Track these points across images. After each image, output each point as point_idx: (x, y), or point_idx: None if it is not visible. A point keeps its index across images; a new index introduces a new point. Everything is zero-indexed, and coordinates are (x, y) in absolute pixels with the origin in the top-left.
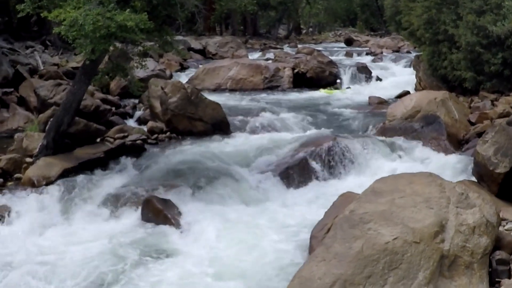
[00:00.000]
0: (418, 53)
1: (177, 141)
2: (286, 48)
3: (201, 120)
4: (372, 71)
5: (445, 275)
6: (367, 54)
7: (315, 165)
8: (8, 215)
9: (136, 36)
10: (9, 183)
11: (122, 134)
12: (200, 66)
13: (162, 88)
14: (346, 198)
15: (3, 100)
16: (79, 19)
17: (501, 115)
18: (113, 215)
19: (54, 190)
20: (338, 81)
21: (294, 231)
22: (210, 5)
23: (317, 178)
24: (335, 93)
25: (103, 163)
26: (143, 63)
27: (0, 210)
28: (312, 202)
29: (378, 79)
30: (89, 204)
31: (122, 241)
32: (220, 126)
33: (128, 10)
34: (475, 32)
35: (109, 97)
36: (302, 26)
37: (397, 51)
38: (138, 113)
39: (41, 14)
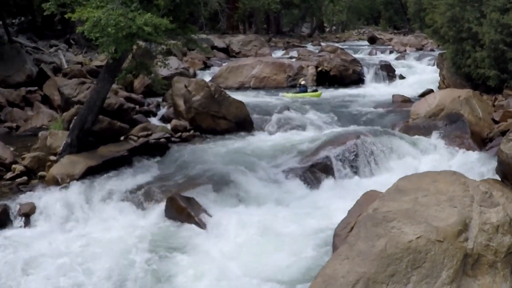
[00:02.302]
0: (441, 51)
1: (201, 139)
2: (310, 46)
3: (224, 118)
4: (395, 69)
5: (469, 274)
6: (390, 52)
7: (339, 163)
8: (33, 212)
9: (157, 38)
10: (34, 181)
11: (145, 132)
12: (224, 64)
13: (186, 87)
14: (370, 196)
15: (27, 99)
16: (102, 19)
17: None
18: (137, 213)
19: (78, 188)
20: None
21: (317, 229)
22: (233, 3)
23: (340, 176)
24: (296, 96)
25: (127, 161)
26: (166, 62)
27: (25, 208)
28: (335, 200)
29: (402, 77)
30: (112, 202)
31: (146, 238)
32: (244, 124)
33: (148, 10)
34: (499, 30)
35: (133, 95)
36: (325, 24)
37: (421, 49)
38: (161, 111)
39: (65, 16)
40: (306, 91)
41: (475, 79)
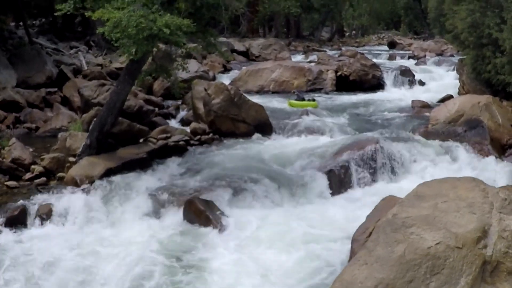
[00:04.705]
0: (461, 57)
1: (220, 142)
2: (329, 51)
3: (244, 122)
4: (415, 74)
5: (487, 281)
6: (410, 57)
7: (357, 168)
8: (51, 213)
9: (178, 39)
10: (52, 182)
11: (165, 135)
12: (243, 68)
13: (206, 90)
14: (389, 201)
15: (47, 100)
16: (123, 20)
17: None
18: (155, 215)
19: (97, 190)
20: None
21: (335, 234)
22: (253, 7)
23: (359, 181)
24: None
25: (146, 163)
26: (185, 65)
27: (43, 209)
28: (353, 205)
29: (421, 82)
30: (131, 204)
31: (164, 240)
32: (263, 128)
33: (169, 13)
34: None
35: (152, 97)
36: (345, 29)
37: (441, 54)
38: (181, 114)
39: (86, 14)
40: (303, 99)
41: (495, 85)
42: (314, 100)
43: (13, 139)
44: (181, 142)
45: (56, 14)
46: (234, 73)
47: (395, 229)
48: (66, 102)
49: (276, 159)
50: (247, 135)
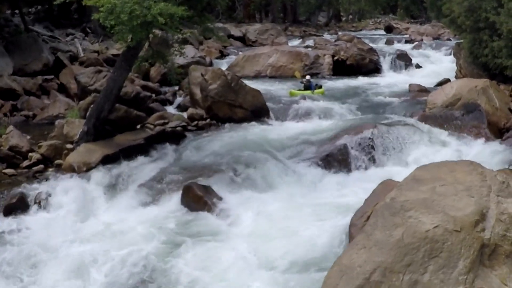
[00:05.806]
0: (458, 41)
1: (217, 127)
2: (326, 36)
3: (241, 107)
4: (412, 58)
5: (485, 264)
6: (407, 41)
7: (355, 152)
8: (49, 200)
9: (172, 27)
10: (50, 169)
11: (162, 121)
12: (240, 53)
13: (202, 75)
14: (387, 185)
15: (43, 87)
16: (117, 6)
17: None
18: (153, 201)
19: (95, 176)
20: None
21: (333, 218)
22: None
23: (357, 165)
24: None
25: (144, 149)
26: (183, 51)
27: (41, 196)
28: (351, 189)
29: (418, 66)
30: (129, 190)
31: (163, 226)
32: (260, 113)
33: (164, 1)
34: None
35: (149, 84)
36: (342, 14)
37: (437, 38)
38: (178, 100)
39: (82, 1)
40: (310, 88)
41: (492, 69)
42: (321, 86)
43: (10, 127)
44: (179, 128)
45: (55, 2)
46: (231, 59)
47: (393, 213)
48: (63, 89)
49: (274, 144)
50: (244, 120)
